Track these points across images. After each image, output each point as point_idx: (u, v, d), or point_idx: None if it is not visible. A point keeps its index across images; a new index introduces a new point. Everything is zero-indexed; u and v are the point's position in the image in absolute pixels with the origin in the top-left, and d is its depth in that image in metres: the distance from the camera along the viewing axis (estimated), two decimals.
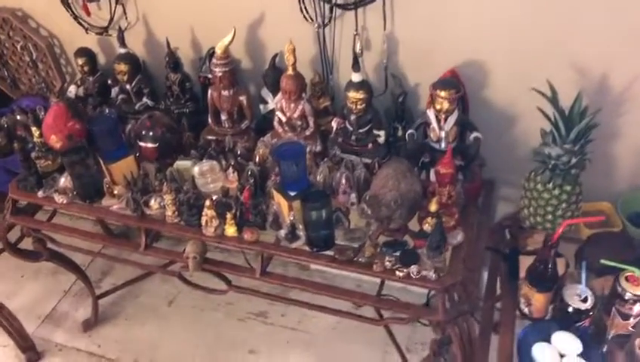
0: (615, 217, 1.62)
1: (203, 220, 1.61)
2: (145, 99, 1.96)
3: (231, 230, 1.61)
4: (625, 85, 1.48)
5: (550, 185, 1.49)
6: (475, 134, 1.59)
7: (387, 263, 1.47)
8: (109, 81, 2.01)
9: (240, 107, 1.81)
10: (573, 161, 1.43)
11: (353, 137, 1.68)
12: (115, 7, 1.90)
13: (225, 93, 1.77)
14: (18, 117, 2.02)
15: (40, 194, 1.76)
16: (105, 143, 1.71)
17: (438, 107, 1.55)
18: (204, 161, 1.73)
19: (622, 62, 1.45)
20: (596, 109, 1.37)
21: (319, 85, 1.78)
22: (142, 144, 1.76)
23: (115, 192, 1.73)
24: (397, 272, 1.46)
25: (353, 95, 1.60)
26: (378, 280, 1.77)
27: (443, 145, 1.59)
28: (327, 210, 1.49)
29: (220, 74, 1.71)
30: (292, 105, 1.70)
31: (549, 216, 1.53)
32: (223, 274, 1.75)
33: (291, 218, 1.54)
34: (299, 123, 1.73)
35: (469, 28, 1.55)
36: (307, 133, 1.73)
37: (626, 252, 1.44)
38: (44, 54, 2.11)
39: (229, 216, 1.59)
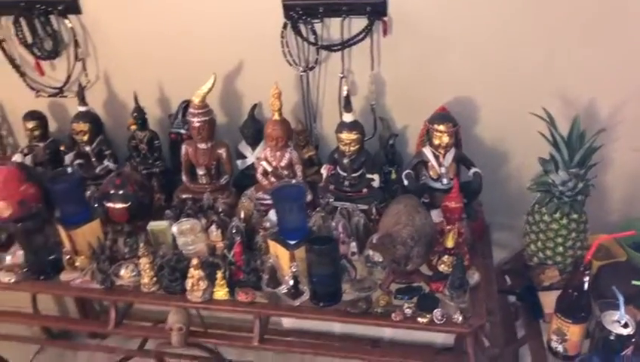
0: (616, 248, 1.59)
1: (188, 284, 1.41)
2: (106, 162, 1.77)
3: (221, 292, 1.42)
4: (614, 110, 1.51)
5: (558, 215, 1.44)
6: (474, 170, 1.54)
7: (407, 310, 1.33)
8: (62, 148, 1.82)
9: (218, 161, 1.67)
10: (580, 186, 1.40)
11: (346, 183, 1.58)
12: (74, 64, 1.75)
13: (202, 146, 1.63)
14: None
15: None
16: (66, 206, 1.49)
17: (436, 142, 1.49)
18: (182, 219, 1.54)
19: (608, 87, 1.49)
20: (598, 130, 1.37)
21: (303, 134, 1.69)
22: (110, 205, 1.54)
23: (77, 264, 1.50)
24: (419, 319, 1.32)
25: (347, 135, 1.52)
26: None
27: (445, 181, 1.52)
28: (336, 256, 1.34)
29: (198, 124, 1.58)
30: (278, 153, 1.58)
31: (560, 249, 1.47)
32: (212, 349, 1.50)
33: (293, 270, 1.37)
34: (285, 173, 1.61)
35: (457, 65, 1.55)
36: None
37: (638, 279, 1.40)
38: None
39: (219, 275, 1.40)
